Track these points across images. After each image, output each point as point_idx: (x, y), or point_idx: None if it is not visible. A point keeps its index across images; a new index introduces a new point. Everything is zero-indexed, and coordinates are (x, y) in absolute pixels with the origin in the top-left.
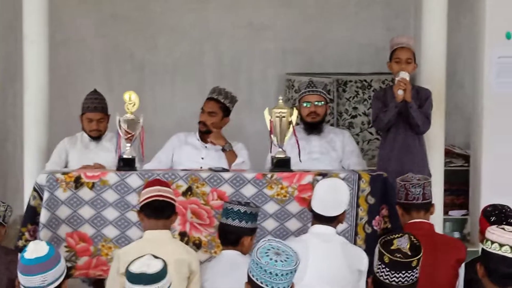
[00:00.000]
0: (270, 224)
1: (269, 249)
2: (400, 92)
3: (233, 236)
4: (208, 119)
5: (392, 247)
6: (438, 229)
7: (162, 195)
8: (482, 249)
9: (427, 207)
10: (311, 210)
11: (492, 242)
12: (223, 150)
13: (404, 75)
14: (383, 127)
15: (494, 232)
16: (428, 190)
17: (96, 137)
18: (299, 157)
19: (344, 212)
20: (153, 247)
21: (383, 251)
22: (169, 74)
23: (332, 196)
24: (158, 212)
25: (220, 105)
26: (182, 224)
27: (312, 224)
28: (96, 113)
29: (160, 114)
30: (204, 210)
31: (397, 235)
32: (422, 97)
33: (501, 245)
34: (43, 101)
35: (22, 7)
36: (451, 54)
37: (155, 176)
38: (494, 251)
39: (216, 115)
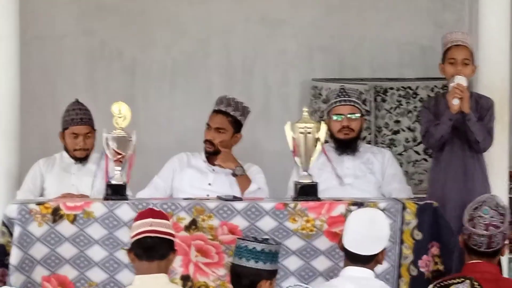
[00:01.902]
0: (292, 263)
1: None
2: (455, 102)
3: (248, 280)
4: (216, 137)
5: None
6: (503, 272)
7: (156, 230)
8: None
9: (493, 255)
10: (343, 249)
11: None
12: (234, 174)
13: (461, 80)
14: (434, 144)
15: None
16: (499, 238)
17: (82, 158)
18: (338, 176)
19: (384, 250)
20: None
21: None
22: (166, 78)
23: (368, 231)
24: (150, 251)
25: (230, 119)
26: (184, 265)
27: (345, 266)
28: (83, 126)
29: (156, 129)
30: (211, 246)
31: (455, 280)
32: (483, 107)
33: None
34: (12, 111)
35: None
36: None
37: (151, 206)
38: None
39: (226, 131)
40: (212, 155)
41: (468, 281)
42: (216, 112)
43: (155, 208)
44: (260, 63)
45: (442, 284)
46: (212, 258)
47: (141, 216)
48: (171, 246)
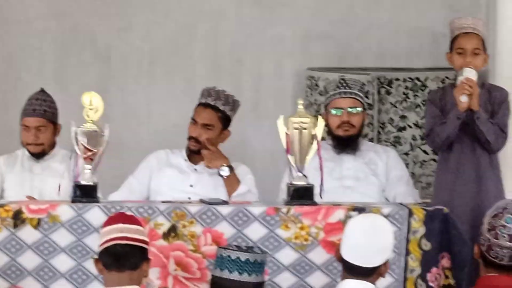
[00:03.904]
0: (285, 280)
1: None
2: (464, 99)
3: None
4: (203, 134)
5: None
6: None
7: (127, 237)
8: None
9: None
10: (341, 259)
11: None
12: (220, 175)
13: (470, 74)
14: (439, 145)
15: None
16: None
17: (37, 154)
18: (320, 189)
19: (387, 262)
20: None
21: None
22: (145, 67)
23: (370, 240)
24: (120, 261)
25: (219, 115)
26: (162, 278)
27: (342, 279)
28: (34, 118)
29: (133, 123)
30: (192, 260)
31: None
32: (496, 100)
33: None
34: None
35: None
36: None
37: (124, 210)
38: None
39: (213, 128)
40: (195, 154)
41: None
42: (204, 106)
43: (127, 213)
44: (251, 50)
45: None
46: (193, 274)
47: (111, 221)
48: (144, 255)
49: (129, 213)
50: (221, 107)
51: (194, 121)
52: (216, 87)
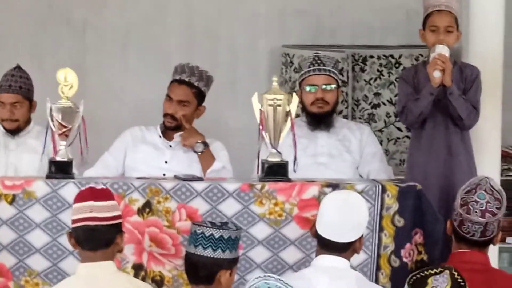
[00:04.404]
0: (259, 254)
1: None
2: (436, 74)
3: (205, 271)
4: (179, 110)
5: None
6: (492, 262)
7: (96, 217)
8: None
9: (486, 244)
10: (316, 235)
11: None
12: (195, 151)
13: (443, 50)
14: (413, 121)
15: None
16: (494, 226)
17: (12, 130)
18: (294, 165)
19: (362, 237)
20: None
21: None
22: (119, 43)
23: (345, 216)
24: (92, 241)
25: (194, 91)
26: (137, 254)
27: (317, 254)
28: (10, 94)
29: (108, 99)
30: (167, 235)
31: (433, 270)
32: (468, 77)
33: None
34: None
35: None
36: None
37: (99, 186)
38: None
39: (189, 104)
40: (171, 130)
41: (447, 271)
42: (178, 82)
43: (96, 187)
44: (226, 26)
45: (418, 276)
46: (168, 250)
47: (81, 197)
48: (117, 230)
49: (92, 186)
50: (196, 83)
51: (169, 97)
52: (189, 63)
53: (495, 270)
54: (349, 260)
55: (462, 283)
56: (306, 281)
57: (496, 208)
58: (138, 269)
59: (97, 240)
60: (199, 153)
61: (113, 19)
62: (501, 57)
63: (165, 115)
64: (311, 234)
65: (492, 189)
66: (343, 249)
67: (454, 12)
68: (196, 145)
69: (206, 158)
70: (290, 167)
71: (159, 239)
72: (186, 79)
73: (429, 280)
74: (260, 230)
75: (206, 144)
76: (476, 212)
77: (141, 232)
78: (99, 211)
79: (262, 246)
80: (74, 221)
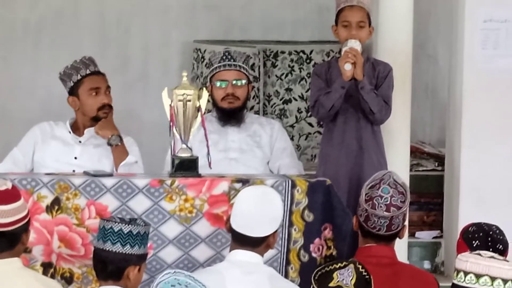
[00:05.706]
0: (170, 254)
1: (174, 286)
2: (348, 67)
3: (113, 267)
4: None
5: (331, 284)
6: (402, 256)
7: (1, 224)
8: (453, 284)
9: (392, 238)
10: (230, 230)
11: (466, 273)
12: (109, 144)
13: (354, 44)
14: (324, 115)
15: (467, 260)
16: (399, 220)
17: None
18: (208, 158)
19: (276, 233)
20: None
21: None
22: (30, 37)
23: (260, 210)
24: None
25: (106, 78)
26: (45, 255)
27: (231, 249)
28: None
29: (18, 94)
30: (76, 234)
31: (337, 264)
32: (380, 74)
33: (478, 276)
34: None
35: None
36: (421, 16)
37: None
38: (469, 286)
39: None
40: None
41: (351, 265)
42: (95, 74)
43: (0, 188)
44: (138, 21)
45: (323, 270)
46: (78, 250)
47: None
48: (22, 229)
49: (9, 185)
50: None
51: (96, 90)
52: (87, 55)
53: (401, 263)
54: (262, 255)
55: (367, 277)
56: (219, 275)
57: (401, 201)
58: (47, 266)
59: (3, 243)
60: (114, 146)
61: (23, 13)
62: (410, 52)
63: (102, 107)
64: (226, 229)
65: (396, 183)
66: (257, 244)
67: (366, 8)
68: (112, 137)
69: (120, 152)
70: (201, 162)
71: (68, 238)
72: (98, 69)
73: (334, 275)
74: (171, 228)
75: (121, 138)
76: (381, 206)
77: (50, 231)
78: (4, 216)
79: (172, 245)
80: None
